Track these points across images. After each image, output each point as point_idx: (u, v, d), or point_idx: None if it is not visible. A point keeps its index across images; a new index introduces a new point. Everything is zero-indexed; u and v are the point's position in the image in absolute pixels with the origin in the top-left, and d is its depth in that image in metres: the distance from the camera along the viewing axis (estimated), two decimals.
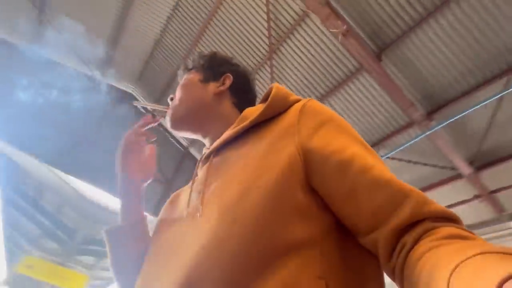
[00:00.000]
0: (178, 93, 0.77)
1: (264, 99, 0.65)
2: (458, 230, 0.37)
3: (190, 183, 0.66)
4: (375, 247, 0.43)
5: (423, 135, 3.69)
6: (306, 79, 4.30)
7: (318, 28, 3.76)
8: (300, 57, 4.15)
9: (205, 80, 0.77)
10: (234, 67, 0.82)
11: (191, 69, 0.82)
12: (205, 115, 0.74)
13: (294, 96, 0.63)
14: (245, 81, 0.82)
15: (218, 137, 0.67)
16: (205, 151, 0.71)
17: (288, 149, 0.52)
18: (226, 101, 0.77)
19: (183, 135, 0.83)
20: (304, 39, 3.96)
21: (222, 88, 0.76)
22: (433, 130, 3.57)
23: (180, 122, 0.74)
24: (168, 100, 0.79)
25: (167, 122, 0.75)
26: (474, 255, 0.28)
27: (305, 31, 3.89)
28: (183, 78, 0.81)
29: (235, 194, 0.50)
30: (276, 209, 0.47)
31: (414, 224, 0.40)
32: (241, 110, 0.72)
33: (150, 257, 0.59)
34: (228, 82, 0.78)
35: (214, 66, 0.80)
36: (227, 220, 0.47)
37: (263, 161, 0.52)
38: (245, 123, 0.61)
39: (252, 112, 0.63)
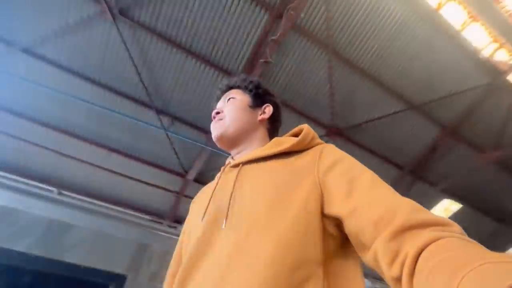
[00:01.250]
0: (229, 112, 0.86)
1: (294, 134, 0.79)
2: (457, 240, 0.40)
3: (214, 183, 0.77)
4: (376, 260, 0.47)
5: None
6: None
7: None
8: None
9: (253, 106, 0.89)
10: (273, 99, 0.94)
11: (237, 87, 0.93)
12: (246, 136, 0.84)
13: (318, 140, 0.76)
14: (279, 113, 0.94)
15: (247, 153, 0.79)
16: (231, 160, 0.81)
17: (310, 180, 0.62)
18: (263, 127, 0.88)
19: (221, 147, 0.91)
20: None
21: (265, 116, 0.89)
22: None
23: (227, 140, 0.84)
24: (214, 113, 0.88)
25: (213, 133, 0.85)
26: (479, 265, 0.30)
27: None
28: (230, 93, 0.92)
29: (263, 214, 0.59)
30: (299, 232, 0.55)
31: (412, 231, 0.44)
32: (270, 135, 0.89)
33: (184, 261, 0.66)
34: (268, 112, 0.90)
35: (260, 94, 0.92)
36: (254, 237, 0.56)
37: (289, 187, 0.62)
38: (278, 148, 0.71)
39: (284, 142, 0.75)
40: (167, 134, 5.15)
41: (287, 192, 0.61)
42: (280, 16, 4.08)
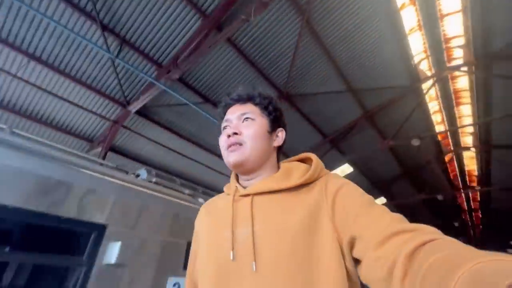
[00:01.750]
0: (251, 139, 0.77)
1: (300, 159, 0.82)
2: (446, 241, 0.43)
3: (227, 210, 0.75)
4: (367, 268, 0.53)
5: None
6: None
7: None
8: None
9: (271, 131, 0.82)
10: (284, 121, 0.88)
11: (256, 104, 0.84)
12: (261, 164, 0.79)
13: (324, 170, 0.76)
14: (286, 137, 0.87)
15: (258, 180, 0.78)
16: (240, 187, 0.78)
17: (325, 223, 0.63)
18: (274, 152, 0.83)
19: (234, 171, 0.84)
20: None
21: (279, 143, 0.84)
22: None
23: (245, 169, 0.78)
24: (230, 132, 0.78)
25: (231, 158, 0.77)
26: (473, 265, 0.32)
27: None
28: (246, 107, 0.83)
29: (287, 251, 0.61)
30: (323, 268, 0.59)
31: (398, 236, 0.49)
32: (277, 158, 0.84)
33: None
34: (282, 137, 0.84)
35: (277, 118, 0.85)
36: (281, 277, 0.59)
37: (306, 223, 0.63)
38: (291, 183, 0.71)
39: (293, 171, 0.76)
40: (111, 60, 4.50)
41: (309, 238, 0.63)
42: None
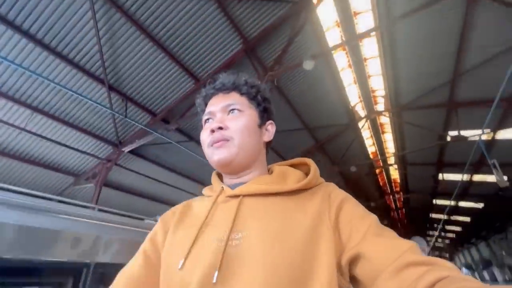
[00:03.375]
0: (239, 133, 0.68)
1: (293, 164, 0.75)
2: (463, 279, 0.42)
3: (202, 212, 0.64)
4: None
5: None
6: None
7: None
8: None
9: (260, 124, 0.73)
10: (273, 112, 0.79)
11: (243, 93, 0.74)
12: (252, 161, 0.70)
13: (320, 178, 0.70)
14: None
15: (247, 180, 0.68)
16: (225, 187, 0.68)
17: (327, 230, 0.57)
18: (263, 148, 0.75)
19: (220, 171, 0.73)
20: None
21: (270, 137, 0.75)
22: None
23: (233, 167, 0.68)
24: (214, 127, 0.67)
25: (216, 156, 0.66)
26: None
27: None
28: (232, 98, 0.73)
29: (285, 264, 0.51)
30: (318, 283, 0.52)
31: (416, 267, 0.47)
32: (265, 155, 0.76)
33: None
34: (272, 131, 0.76)
35: (267, 109, 0.76)
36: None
37: (308, 233, 0.55)
38: (287, 187, 0.64)
39: (287, 174, 0.69)
40: (112, 113, 5.21)
41: (309, 249, 0.55)
42: None
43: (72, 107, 5.08)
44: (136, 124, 5.31)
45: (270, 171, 0.74)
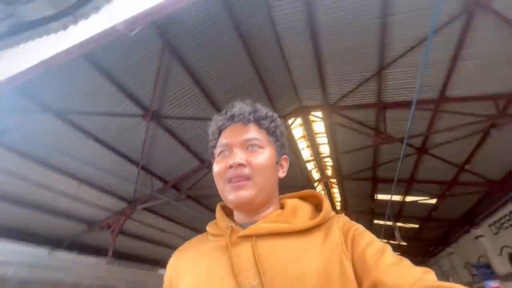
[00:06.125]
0: (261, 172, 0.67)
1: (302, 197, 0.73)
2: None
3: (219, 257, 0.62)
4: None
5: None
6: None
7: None
8: None
9: (277, 161, 0.72)
10: (287, 146, 0.78)
11: (264, 127, 0.73)
12: (270, 199, 0.69)
13: (332, 212, 0.69)
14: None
15: (260, 217, 0.67)
16: (235, 226, 0.66)
17: (343, 265, 0.58)
18: (277, 186, 0.73)
19: (236, 210, 0.72)
20: None
21: (285, 172, 0.74)
22: None
23: (253, 207, 0.67)
24: (235, 163, 0.65)
25: (234, 196, 0.65)
26: None
27: None
28: (252, 131, 0.71)
29: None
30: None
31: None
32: None
33: None
34: (287, 166, 0.75)
35: (283, 145, 0.75)
36: None
37: (327, 271, 0.56)
38: (300, 225, 0.63)
39: (297, 209, 0.68)
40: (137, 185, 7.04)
41: (330, 286, 0.55)
42: None
43: (104, 175, 6.79)
44: (151, 192, 7.17)
45: (281, 205, 0.73)
